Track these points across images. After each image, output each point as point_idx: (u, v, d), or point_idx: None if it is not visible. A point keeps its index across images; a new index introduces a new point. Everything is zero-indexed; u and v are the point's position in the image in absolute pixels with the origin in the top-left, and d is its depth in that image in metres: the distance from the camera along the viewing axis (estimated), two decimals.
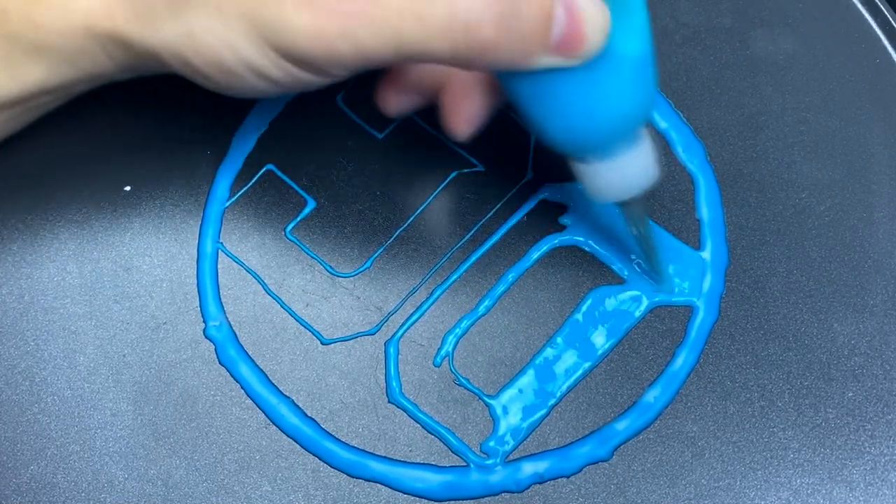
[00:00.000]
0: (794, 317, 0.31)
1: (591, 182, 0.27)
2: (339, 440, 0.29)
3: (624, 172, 0.26)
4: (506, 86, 0.26)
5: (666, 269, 0.31)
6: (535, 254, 0.31)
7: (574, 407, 0.30)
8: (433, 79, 0.29)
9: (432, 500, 0.28)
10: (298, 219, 0.32)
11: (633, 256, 0.31)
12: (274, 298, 0.31)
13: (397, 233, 0.32)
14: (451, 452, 0.29)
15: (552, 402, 0.30)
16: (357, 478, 0.29)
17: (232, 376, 0.30)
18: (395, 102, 0.30)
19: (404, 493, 0.28)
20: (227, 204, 0.32)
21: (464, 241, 0.32)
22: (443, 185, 0.32)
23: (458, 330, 0.30)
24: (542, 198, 0.32)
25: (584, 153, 0.26)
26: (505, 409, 0.29)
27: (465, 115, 0.28)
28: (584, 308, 0.31)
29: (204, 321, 0.31)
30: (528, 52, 0.23)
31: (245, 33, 0.24)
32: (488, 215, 0.32)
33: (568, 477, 0.29)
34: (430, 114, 0.32)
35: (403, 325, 0.30)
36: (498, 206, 0.32)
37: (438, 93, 0.29)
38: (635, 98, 0.25)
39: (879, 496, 0.28)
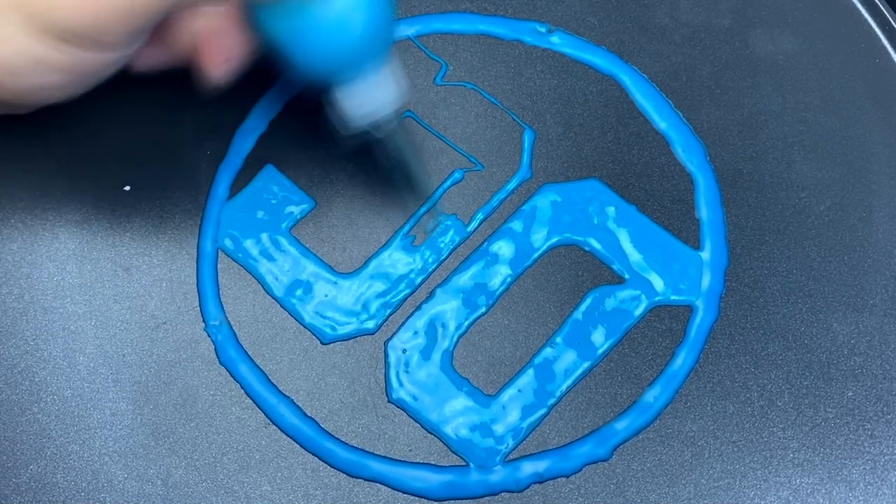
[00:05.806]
0: (794, 316, 0.31)
1: (344, 107, 0.28)
2: (339, 440, 0.29)
3: (371, 95, 0.28)
4: (258, 24, 0.27)
5: (427, 180, 0.32)
6: (535, 254, 0.31)
7: (574, 407, 0.30)
8: (188, 36, 0.29)
9: (432, 499, 0.28)
10: (298, 219, 0.32)
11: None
12: (274, 298, 0.31)
13: (397, 233, 0.32)
14: (450, 452, 0.29)
15: (552, 401, 0.30)
16: (357, 477, 0.29)
17: (232, 376, 0.30)
18: (145, 56, 0.30)
19: (404, 492, 0.28)
20: (227, 204, 0.32)
21: (464, 240, 0.32)
22: (443, 185, 0.32)
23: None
24: (542, 198, 0.32)
25: (330, 78, 0.28)
26: (504, 409, 0.29)
27: (219, 53, 0.29)
28: (583, 308, 0.31)
29: (204, 321, 0.31)
30: None
31: (22, 25, 0.25)
32: (488, 215, 0.32)
33: (568, 476, 0.29)
34: (430, 114, 0.32)
35: (403, 324, 0.30)
36: (498, 205, 0.32)
37: (192, 54, 0.29)
38: (367, 23, 0.27)
39: (879, 496, 0.28)
